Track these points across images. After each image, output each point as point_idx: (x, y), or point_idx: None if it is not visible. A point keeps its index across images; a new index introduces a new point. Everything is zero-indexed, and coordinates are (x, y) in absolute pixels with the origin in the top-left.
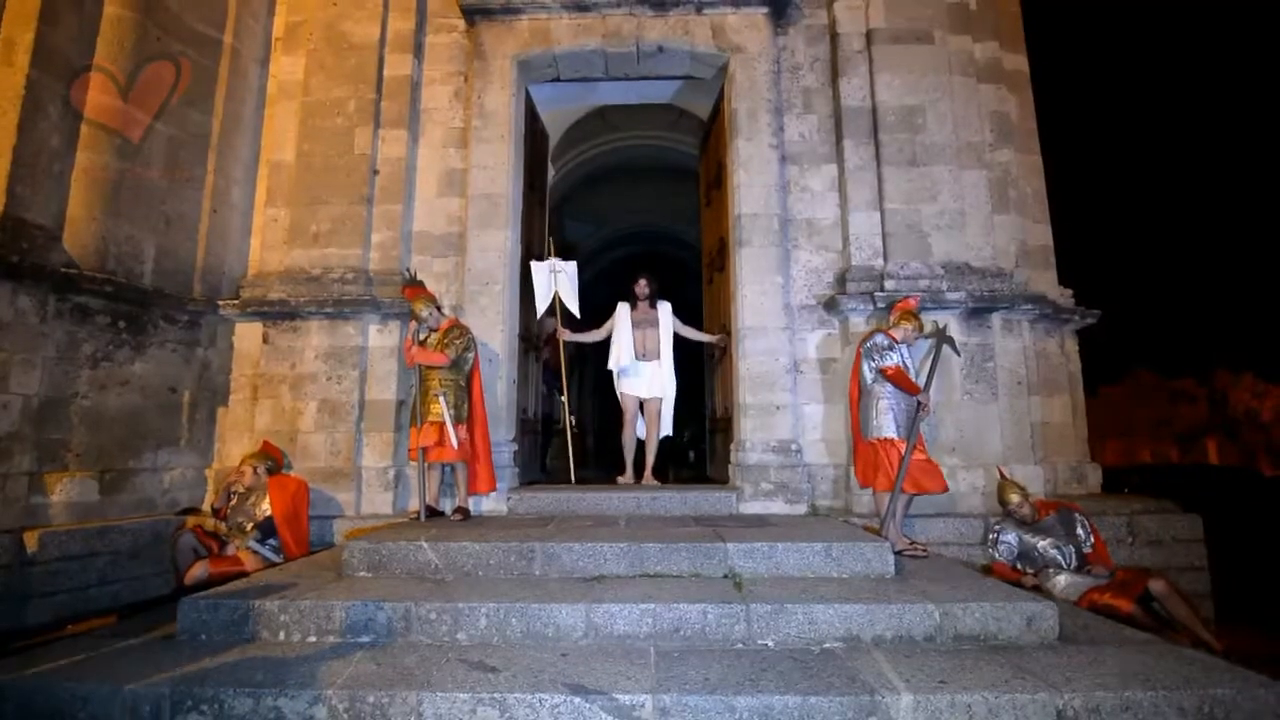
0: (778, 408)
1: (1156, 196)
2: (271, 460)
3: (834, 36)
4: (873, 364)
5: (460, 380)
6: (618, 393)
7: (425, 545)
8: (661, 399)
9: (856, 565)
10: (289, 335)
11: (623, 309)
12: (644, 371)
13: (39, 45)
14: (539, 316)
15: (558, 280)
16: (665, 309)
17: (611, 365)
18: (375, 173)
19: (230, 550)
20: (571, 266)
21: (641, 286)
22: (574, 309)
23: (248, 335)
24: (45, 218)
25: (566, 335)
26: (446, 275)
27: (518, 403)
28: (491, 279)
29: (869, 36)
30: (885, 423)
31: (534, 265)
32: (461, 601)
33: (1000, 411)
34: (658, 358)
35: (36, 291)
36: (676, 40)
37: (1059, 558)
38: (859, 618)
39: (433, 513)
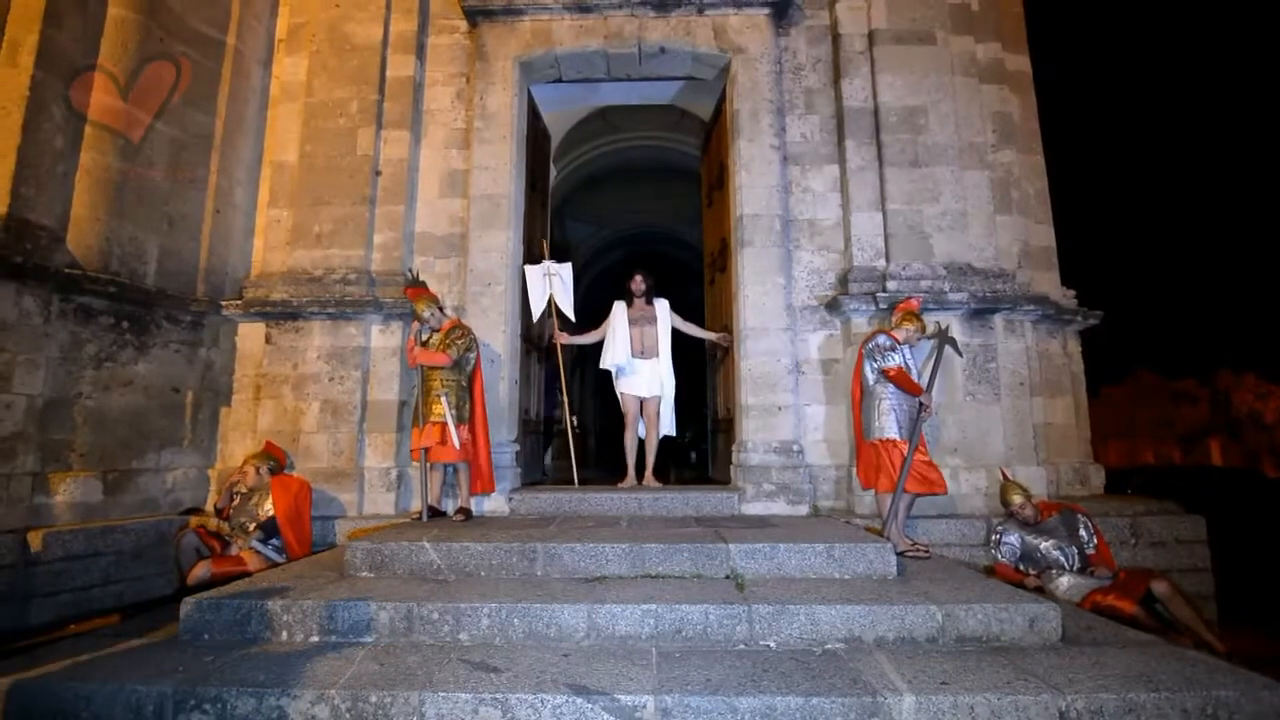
0: (779, 408)
1: (1159, 197)
2: (274, 460)
3: (836, 37)
4: (875, 365)
5: (462, 381)
6: (617, 393)
7: (427, 545)
8: (660, 397)
9: (858, 566)
10: (291, 335)
11: (619, 307)
12: (642, 369)
13: (43, 47)
14: (535, 319)
15: (552, 283)
16: (663, 306)
17: (605, 364)
18: (378, 173)
19: (233, 550)
20: (566, 269)
21: (637, 283)
22: (569, 312)
23: (250, 335)
24: (49, 218)
25: (564, 339)
26: (449, 276)
27: (520, 403)
28: (493, 279)
29: (871, 37)
30: (887, 424)
31: (528, 269)
32: (463, 602)
33: (1003, 412)
34: (656, 355)
35: (40, 292)
36: (678, 41)
37: (1061, 559)
38: (861, 619)
39: (435, 513)
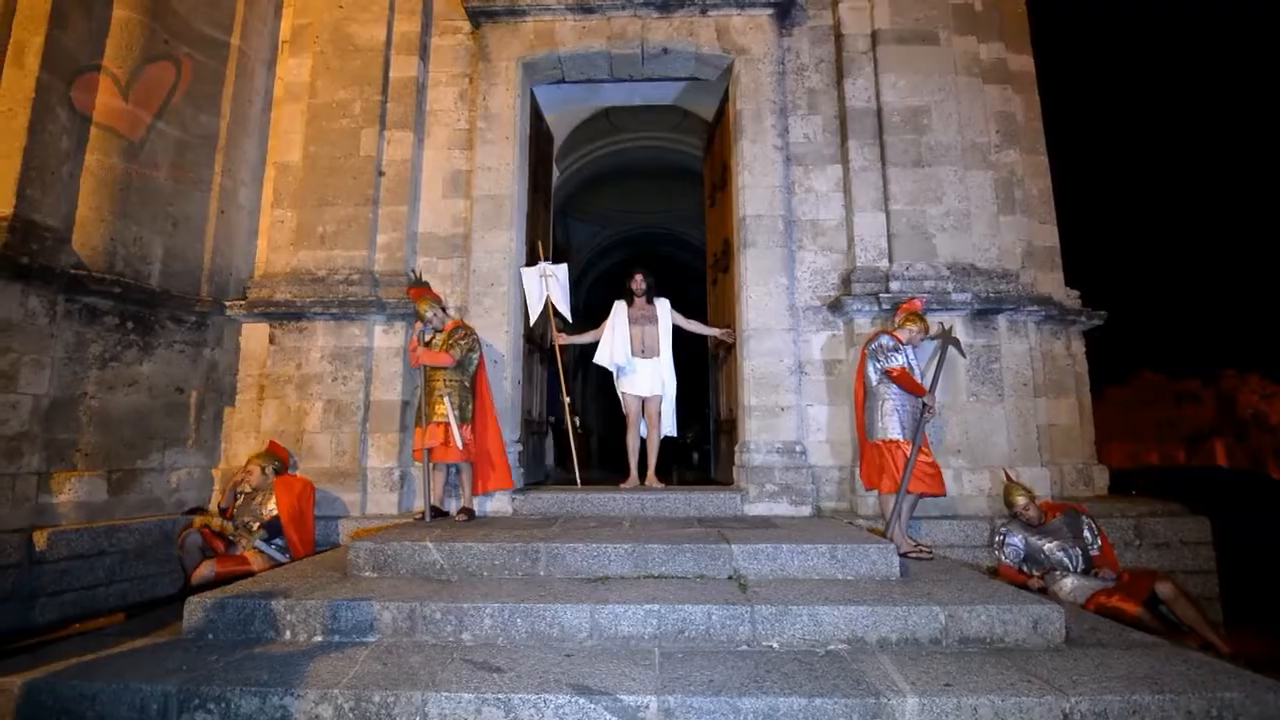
0: (782, 409)
1: (1163, 197)
2: (278, 460)
3: (839, 37)
4: (878, 365)
5: (465, 381)
6: (619, 393)
7: (430, 545)
8: (662, 397)
9: (861, 567)
10: (295, 336)
11: (619, 306)
12: (643, 369)
13: (49, 48)
14: (533, 322)
15: (549, 284)
16: (663, 305)
17: (600, 361)
18: (381, 174)
19: (237, 550)
20: (562, 269)
21: (638, 282)
22: (565, 312)
23: (254, 336)
24: (55, 219)
25: (563, 340)
26: (451, 276)
27: (522, 404)
28: (496, 280)
29: (874, 37)
30: (890, 424)
31: (524, 271)
32: (466, 602)
33: (1006, 413)
34: (657, 355)
35: (46, 292)
36: (681, 42)
37: (1065, 560)
38: (864, 620)
39: (437, 513)
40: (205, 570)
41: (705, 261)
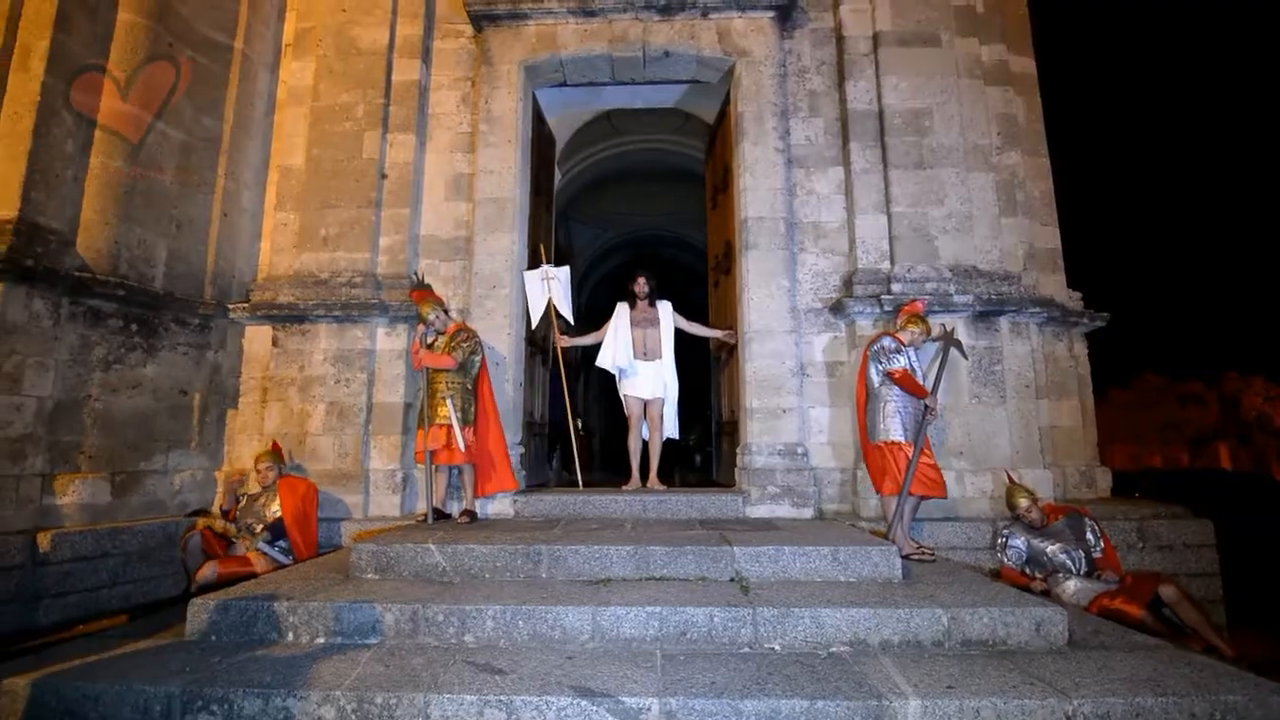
0: (784, 411)
1: (1166, 199)
2: (282, 462)
3: (840, 39)
4: (880, 367)
5: (467, 383)
6: (621, 395)
7: (433, 547)
8: (664, 399)
9: (863, 569)
10: (298, 338)
11: (622, 309)
12: (645, 371)
13: (54, 52)
14: (534, 325)
15: (551, 287)
16: (665, 308)
17: (603, 363)
18: (384, 177)
19: (240, 552)
20: (564, 272)
21: (640, 285)
22: (568, 315)
23: (257, 338)
24: (59, 222)
25: (565, 342)
26: (454, 279)
27: (524, 405)
28: (498, 282)
29: (876, 39)
30: (892, 426)
31: (526, 275)
32: (468, 604)
33: (1008, 415)
34: (659, 357)
35: (50, 295)
36: (682, 45)
37: (1068, 563)
38: (866, 622)
39: (439, 515)
40: (208, 572)
41: (707, 264)
